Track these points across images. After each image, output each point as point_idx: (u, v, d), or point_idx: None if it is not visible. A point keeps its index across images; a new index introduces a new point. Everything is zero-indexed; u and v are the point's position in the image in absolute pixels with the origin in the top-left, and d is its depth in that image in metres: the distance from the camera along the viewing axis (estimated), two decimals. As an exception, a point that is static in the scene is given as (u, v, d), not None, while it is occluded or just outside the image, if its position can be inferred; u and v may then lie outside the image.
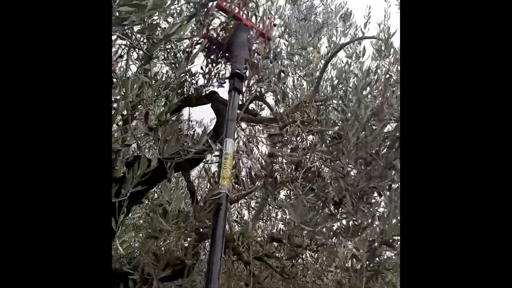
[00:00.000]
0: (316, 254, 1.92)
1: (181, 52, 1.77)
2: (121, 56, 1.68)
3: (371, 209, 1.52)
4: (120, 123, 1.47)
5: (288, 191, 1.79)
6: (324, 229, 1.73)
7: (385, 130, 1.46)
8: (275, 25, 1.93)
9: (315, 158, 1.58)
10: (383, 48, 1.82)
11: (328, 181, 1.63)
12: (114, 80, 1.70)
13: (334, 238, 1.60)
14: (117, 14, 0.89)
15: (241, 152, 1.81)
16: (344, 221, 1.69)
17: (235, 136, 1.44)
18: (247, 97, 1.87)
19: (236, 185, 1.71)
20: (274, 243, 1.93)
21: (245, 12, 1.86)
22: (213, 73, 1.94)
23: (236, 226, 2.14)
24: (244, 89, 1.78)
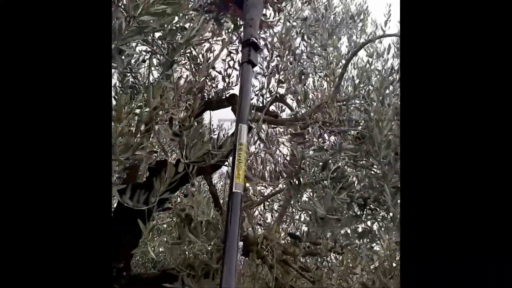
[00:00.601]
0: (341, 256, 1.89)
1: (201, 56, 1.77)
2: (144, 61, 1.70)
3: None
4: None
5: (312, 193, 1.77)
6: (348, 231, 1.71)
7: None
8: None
9: (339, 158, 1.56)
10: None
11: (351, 181, 1.60)
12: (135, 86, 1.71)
13: (361, 240, 1.58)
14: (138, 24, 0.89)
15: (264, 151, 1.78)
16: (369, 223, 1.67)
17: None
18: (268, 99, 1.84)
19: (261, 180, 1.67)
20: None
21: None
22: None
23: (260, 229, 2.13)
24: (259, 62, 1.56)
